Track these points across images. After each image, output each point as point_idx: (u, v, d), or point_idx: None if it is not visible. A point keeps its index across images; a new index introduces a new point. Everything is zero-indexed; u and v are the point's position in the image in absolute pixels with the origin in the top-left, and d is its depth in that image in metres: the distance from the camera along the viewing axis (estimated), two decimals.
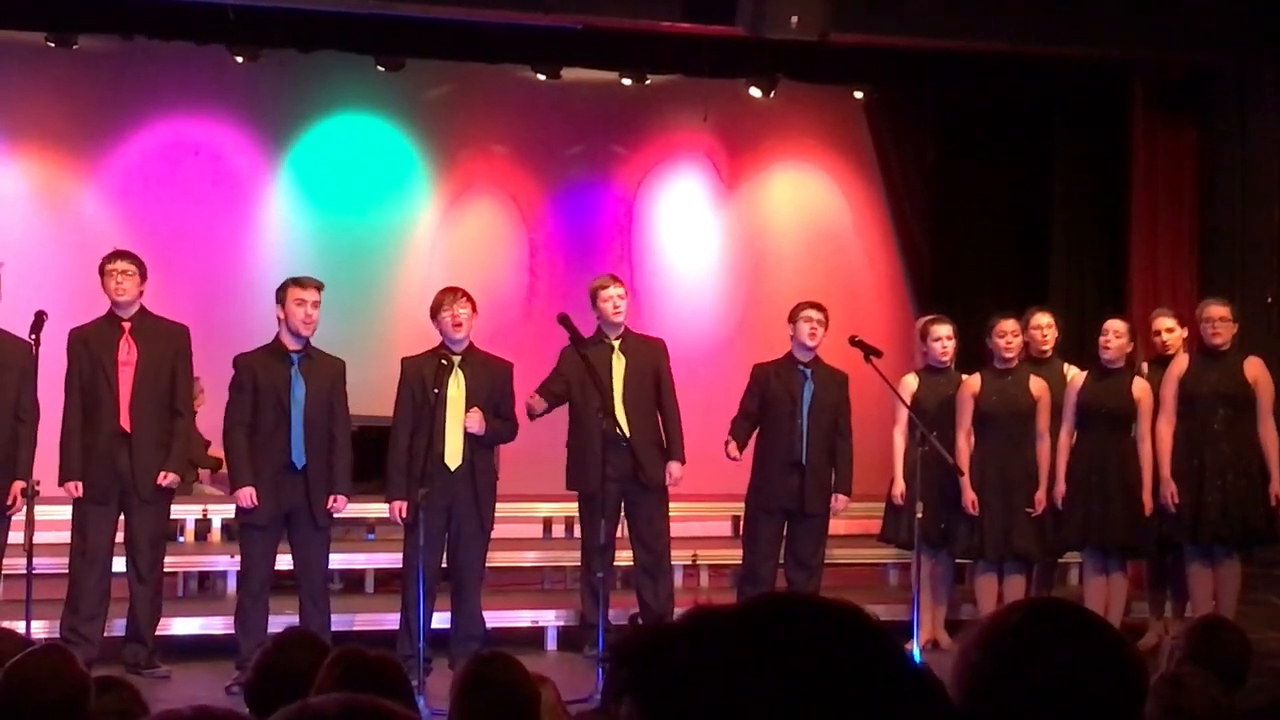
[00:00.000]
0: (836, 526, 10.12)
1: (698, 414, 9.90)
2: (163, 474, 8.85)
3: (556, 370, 9.54)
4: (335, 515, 8.99)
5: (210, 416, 11.78)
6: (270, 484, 8.74)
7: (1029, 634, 2.22)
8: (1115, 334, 9.56)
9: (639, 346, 9.68)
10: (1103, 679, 2.21)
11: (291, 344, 8.82)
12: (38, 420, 8.80)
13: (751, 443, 9.72)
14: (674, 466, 9.56)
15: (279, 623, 8.49)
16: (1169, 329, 9.86)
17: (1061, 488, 9.49)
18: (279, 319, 8.85)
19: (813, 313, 9.61)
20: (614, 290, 9.58)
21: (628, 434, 9.41)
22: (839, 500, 9.62)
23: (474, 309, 9.08)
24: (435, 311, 9.05)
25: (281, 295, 8.83)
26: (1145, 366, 9.85)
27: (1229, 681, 4.94)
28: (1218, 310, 9.58)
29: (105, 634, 8.86)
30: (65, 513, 9.07)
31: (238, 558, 10.13)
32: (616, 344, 9.56)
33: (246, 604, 8.84)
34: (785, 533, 9.67)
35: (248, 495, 8.72)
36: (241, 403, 8.81)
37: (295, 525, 8.84)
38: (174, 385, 8.95)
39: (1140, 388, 9.54)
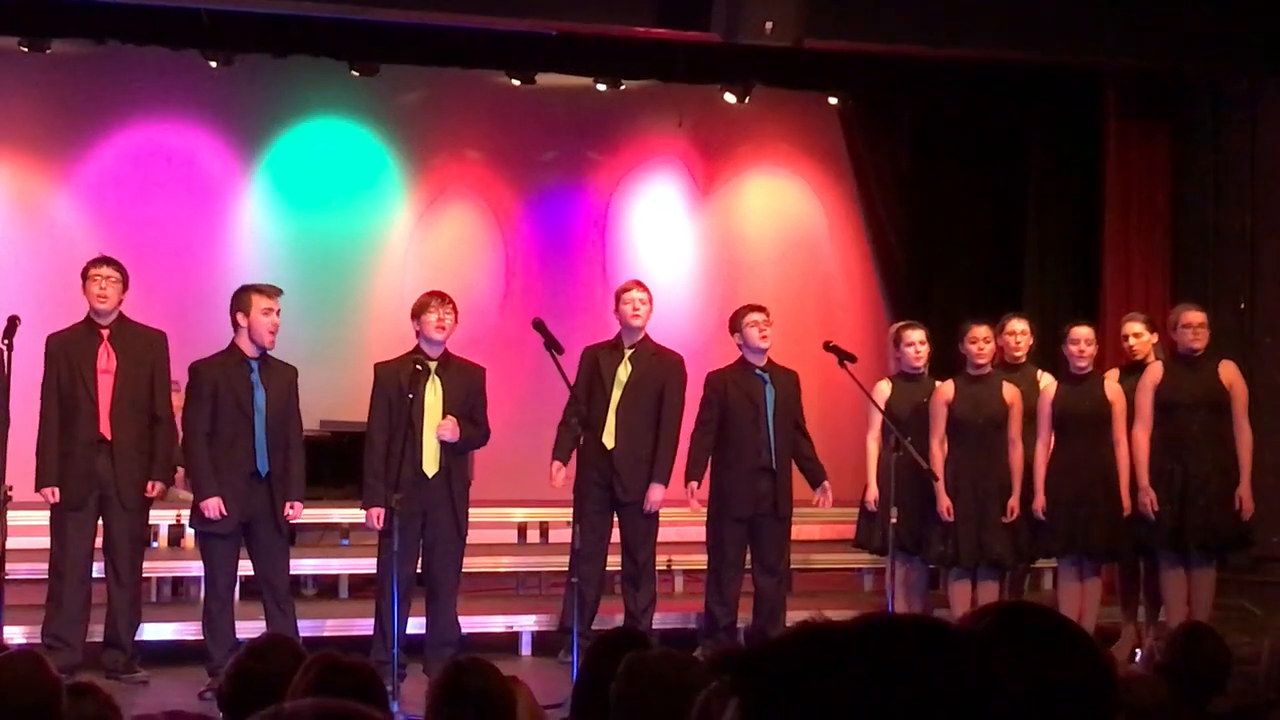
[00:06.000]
0: (811, 532, 10.14)
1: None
2: (151, 484, 8.86)
3: (573, 395, 9.43)
4: (294, 521, 9.06)
5: None
6: (234, 492, 8.71)
7: (1000, 638, 2.23)
8: (1085, 340, 9.60)
9: (652, 358, 9.63)
10: (1072, 684, 2.22)
11: (250, 351, 8.79)
12: (8, 426, 8.77)
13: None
14: (654, 490, 9.51)
15: (250, 629, 8.48)
16: (1138, 334, 9.89)
17: (1041, 499, 9.49)
18: (237, 326, 8.81)
19: (757, 315, 9.61)
20: (636, 294, 9.59)
21: (612, 444, 9.42)
22: (825, 488, 9.65)
23: (456, 318, 9.08)
24: (419, 313, 9.03)
25: (244, 304, 8.78)
26: (1117, 372, 9.88)
27: (1209, 688, 4.96)
28: (1197, 316, 9.61)
29: (85, 640, 8.84)
30: (39, 518, 9.06)
31: None
32: (629, 351, 9.55)
33: (214, 610, 8.81)
34: (749, 538, 9.65)
35: (215, 506, 8.67)
36: (201, 411, 8.75)
37: (257, 532, 8.80)
38: (153, 391, 8.93)
39: (1113, 391, 9.58)
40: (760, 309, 9.66)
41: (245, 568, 9.01)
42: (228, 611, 8.82)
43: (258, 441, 8.73)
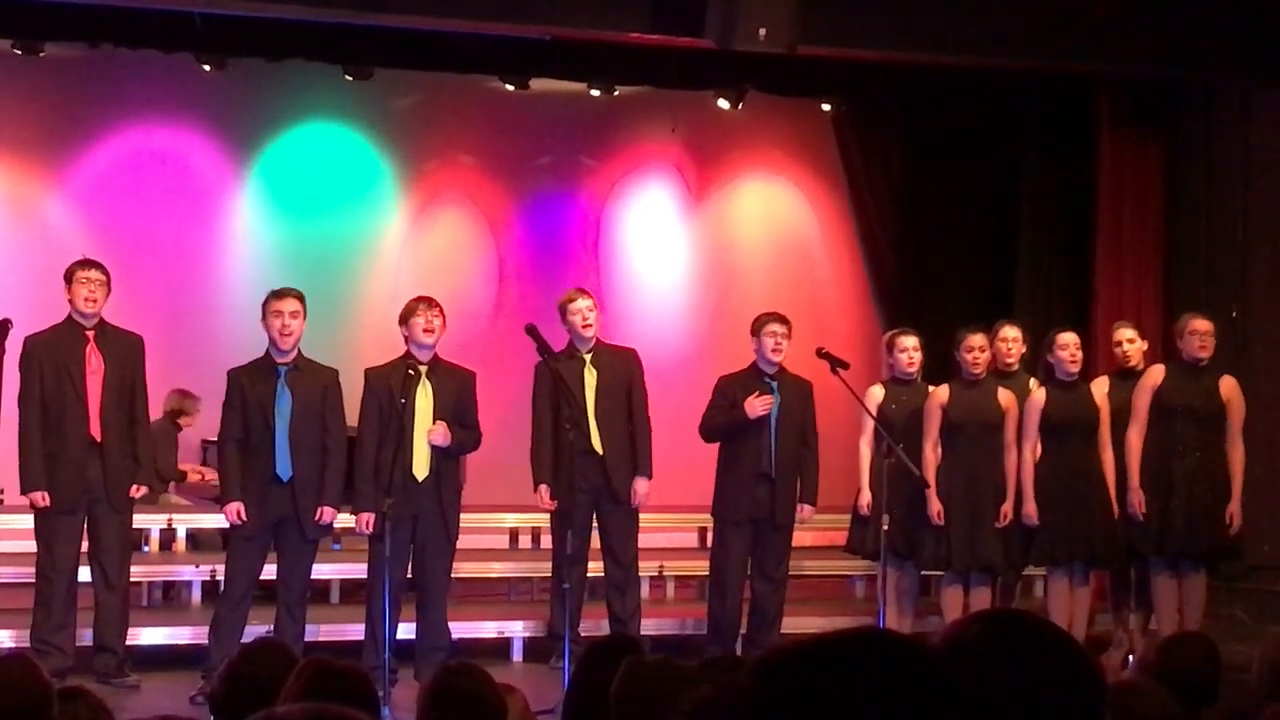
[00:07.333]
0: (803, 538, 10.12)
1: (664, 426, 9.89)
2: (135, 486, 8.86)
3: (536, 403, 9.48)
4: (324, 526, 8.97)
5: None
6: (257, 496, 8.74)
7: (988, 645, 2.23)
8: (1076, 346, 9.63)
9: (611, 359, 9.67)
10: (1062, 690, 2.22)
11: (278, 356, 8.81)
12: None
13: (714, 454, 9.71)
14: (640, 483, 9.53)
15: (250, 633, 8.48)
16: (1130, 340, 9.92)
17: (1031, 505, 9.50)
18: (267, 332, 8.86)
19: (776, 326, 9.57)
20: (583, 303, 9.58)
21: (600, 448, 9.42)
22: (804, 510, 9.62)
23: (444, 322, 9.09)
24: (406, 317, 9.05)
25: (263, 310, 8.83)
26: (1106, 379, 9.89)
27: (1199, 696, 4.95)
28: (1205, 325, 9.59)
29: (74, 644, 8.82)
30: (28, 521, 9.03)
31: (204, 567, 10.10)
32: (588, 357, 9.56)
33: (224, 613, 8.81)
34: (749, 544, 9.66)
35: (234, 510, 8.73)
36: (232, 418, 8.83)
37: (283, 536, 8.84)
38: (134, 395, 8.93)
39: (1101, 397, 9.60)
40: (781, 319, 9.61)
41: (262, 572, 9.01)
42: (237, 615, 8.79)
43: (278, 447, 8.72)
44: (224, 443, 8.92)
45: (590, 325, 9.57)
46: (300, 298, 8.84)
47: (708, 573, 9.89)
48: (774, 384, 9.57)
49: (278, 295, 8.83)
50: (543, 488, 9.38)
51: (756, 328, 9.64)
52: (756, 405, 9.41)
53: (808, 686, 1.74)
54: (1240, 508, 9.50)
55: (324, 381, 8.93)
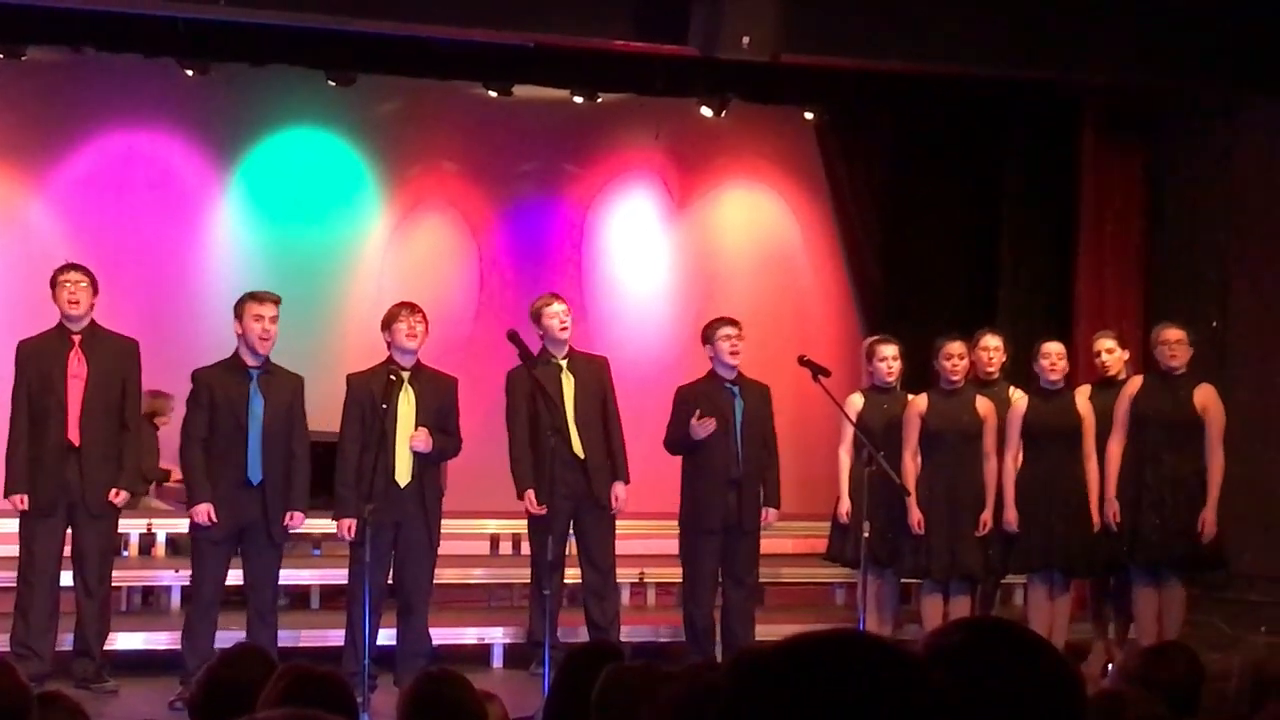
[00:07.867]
0: (783, 545, 10.12)
1: (646, 433, 9.90)
2: (115, 491, 8.81)
3: (512, 411, 9.49)
4: (292, 532, 8.98)
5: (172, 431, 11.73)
6: (226, 499, 8.69)
7: (969, 653, 2.23)
8: (1058, 355, 9.67)
9: (585, 365, 9.69)
10: (1042, 698, 2.22)
11: (250, 359, 8.77)
12: None
13: (679, 462, 9.70)
14: (618, 488, 9.56)
15: (225, 638, 8.44)
16: (1109, 349, 9.94)
17: (1012, 513, 9.52)
18: (237, 334, 8.81)
19: (730, 329, 9.59)
20: (558, 307, 9.58)
21: (581, 453, 9.42)
22: (768, 515, 9.62)
23: (427, 327, 9.08)
24: (389, 323, 9.04)
25: (239, 310, 8.79)
26: (1089, 388, 9.92)
27: (1181, 706, 4.96)
28: (1174, 334, 9.63)
29: (53, 649, 8.79)
30: (10, 526, 9.00)
31: (183, 572, 10.06)
32: (564, 363, 9.56)
33: (194, 618, 8.78)
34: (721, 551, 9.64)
35: (204, 512, 8.67)
36: (199, 418, 8.76)
37: (250, 540, 8.79)
38: (124, 399, 8.90)
39: (1084, 406, 9.63)
40: (733, 323, 9.64)
41: (231, 577, 8.96)
42: (208, 620, 8.75)
43: (250, 450, 8.69)
44: (190, 443, 8.80)
45: (567, 329, 9.57)
46: (278, 302, 8.82)
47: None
48: (735, 389, 9.58)
49: (259, 299, 8.79)
50: (529, 493, 9.37)
51: (709, 334, 9.63)
52: (699, 429, 9.41)
53: (785, 686, 1.74)
54: (1215, 515, 9.50)
55: (293, 386, 8.91)
